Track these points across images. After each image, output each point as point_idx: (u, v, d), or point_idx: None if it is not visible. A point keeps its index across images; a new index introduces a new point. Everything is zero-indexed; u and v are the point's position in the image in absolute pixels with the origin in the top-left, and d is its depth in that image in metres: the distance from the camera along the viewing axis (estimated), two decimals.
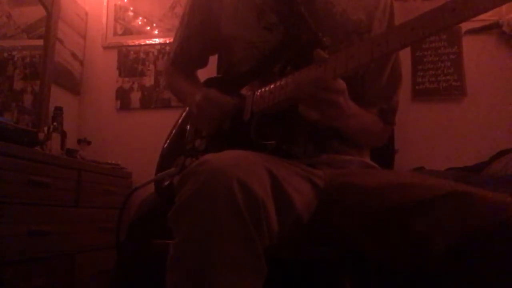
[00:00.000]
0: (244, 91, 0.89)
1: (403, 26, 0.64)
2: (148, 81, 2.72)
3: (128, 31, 2.81)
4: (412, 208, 0.64)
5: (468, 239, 0.55)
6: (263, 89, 0.83)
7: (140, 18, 2.81)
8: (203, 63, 1.12)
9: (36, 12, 2.39)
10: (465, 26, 2.39)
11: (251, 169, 0.60)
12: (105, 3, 2.85)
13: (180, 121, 1.05)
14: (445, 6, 0.59)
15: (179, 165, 0.89)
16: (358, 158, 0.89)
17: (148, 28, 2.79)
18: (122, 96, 2.74)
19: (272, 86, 0.81)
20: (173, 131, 1.04)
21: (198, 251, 0.54)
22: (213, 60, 1.14)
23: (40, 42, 2.39)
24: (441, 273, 0.58)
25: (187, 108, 1.04)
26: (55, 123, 2.14)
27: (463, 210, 0.59)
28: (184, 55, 1.09)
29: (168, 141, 1.04)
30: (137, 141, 2.59)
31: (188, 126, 0.99)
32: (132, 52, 2.77)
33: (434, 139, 2.32)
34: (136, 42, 2.77)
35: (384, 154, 1.04)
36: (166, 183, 0.90)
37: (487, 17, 2.37)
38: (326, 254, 0.82)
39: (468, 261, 0.55)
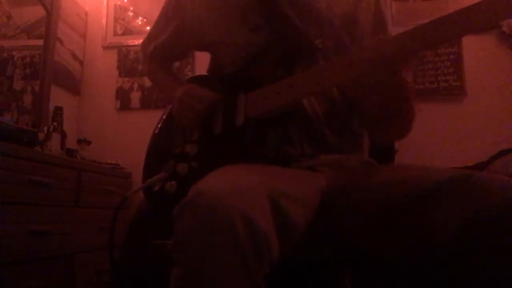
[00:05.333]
0: (233, 93, 0.87)
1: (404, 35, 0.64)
2: (148, 81, 2.72)
3: (128, 31, 2.81)
4: (417, 200, 0.64)
5: (474, 225, 0.55)
6: (255, 94, 0.82)
7: (140, 18, 2.81)
8: (184, 58, 1.16)
9: (36, 12, 2.39)
10: None
11: (251, 199, 0.58)
12: (105, 3, 2.85)
13: (164, 117, 1.03)
14: (446, 18, 0.59)
15: (169, 170, 0.86)
16: (356, 154, 0.89)
17: (148, 28, 2.78)
18: (122, 96, 2.74)
19: (265, 91, 0.80)
20: (158, 129, 1.02)
21: (199, 284, 0.54)
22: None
23: (40, 42, 2.39)
24: (447, 265, 0.58)
25: (171, 106, 1.03)
26: (55, 123, 2.15)
27: (469, 192, 0.58)
28: (164, 53, 1.10)
29: (153, 139, 1.02)
30: (137, 141, 2.57)
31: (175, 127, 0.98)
32: (132, 52, 2.77)
33: (434, 139, 2.32)
34: (136, 42, 2.77)
35: (384, 154, 1.04)
36: (157, 188, 0.88)
37: None
38: (326, 254, 0.82)
39: (478, 251, 0.55)
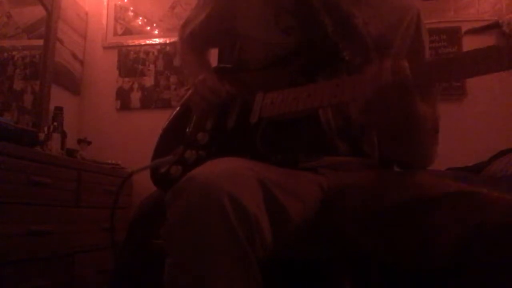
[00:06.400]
0: (252, 90, 0.87)
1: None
2: (148, 81, 2.72)
3: (128, 31, 2.81)
4: (417, 208, 0.64)
5: (475, 239, 0.55)
6: (273, 95, 0.82)
7: (140, 18, 2.81)
8: (218, 45, 1.14)
9: (36, 12, 2.39)
10: (465, 26, 2.39)
11: (241, 183, 0.59)
12: (105, 3, 2.85)
13: (183, 102, 1.04)
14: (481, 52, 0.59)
15: (178, 154, 0.88)
16: (361, 158, 0.89)
17: (148, 28, 2.79)
18: (122, 96, 2.74)
19: (283, 94, 0.80)
20: (176, 112, 1.03)
21: (193, 269, 0.54)
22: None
23: (40, 42, 2.39)
24: (446, 271, 0.58)
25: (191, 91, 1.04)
26: (55, 123, 2.14)
27: (470, 210, 0.58)
28: (198, 37, 1.09)
29: (169, 121, 1.02)
30: (137, 141, 2.59)
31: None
32: (132, 52, 2.77)
33: None
34: (136, 42, 2.77)
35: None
36: (163, 170, 0.89)
37: (487, 17, 2.37)
38: (326, 254, 0.82)
39: (474, 260, 0.55)
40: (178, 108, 1.03)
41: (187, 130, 0.94)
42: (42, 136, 1.99)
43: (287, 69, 0.84)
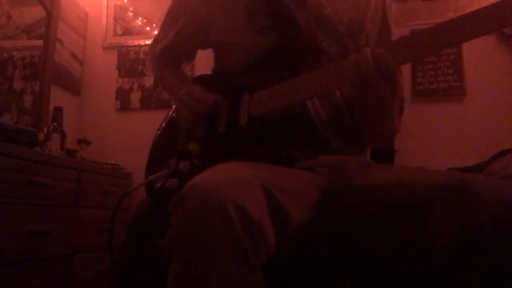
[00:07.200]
0: (237, 93, 0.87)
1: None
2: (148, 81, 2.72)
3: (128, 32, 2.82)
4: (414, 205, 0.64)
5: (474, 229, 0.55)
6: (259, 94, 0.82)
7: (140, 18, 2.81)
8: (191, 58, 1.13)
9: (36, 12, 2.39)
10: None
11: (245, 189, 0.59)
12: (105, 3, 2.85)
13: (170, 115, 1.03)
14: (453, 22, 0.60)
15: (171, 167, 0.87)
16: (357, 157, 0.89)
17: (148, 28, 2.79)
18: (122, 96, 2.74)
19: (270, 91, 0.80)
20: (164, 125, 1.02)
21: (197, 276, 0.54)
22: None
23: (40, 42, 2.39)
24: (445, 268, 0.58)
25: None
26: (55, 123, 2.15)
27: (462, 199, 0.58)
28: (171, 54, 1.09)
29: (159, 135, 1.02)
30: (137, 141, 2.58)
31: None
32: (132, 53, 2.78)
33: (434, 139, 2.32)
34: (136, 43, 2.78)
35: (384, 154, 1.04)
36: (158, 184, 0.88)
37: None
38: (326, 254, 0.82)
39: (475, 260, 0.55)
40: (164, 122, 1.02)
41: (178, 141, 0.93)
42: (41, 136, 1.99)
43: (270, 68, 0.85)
